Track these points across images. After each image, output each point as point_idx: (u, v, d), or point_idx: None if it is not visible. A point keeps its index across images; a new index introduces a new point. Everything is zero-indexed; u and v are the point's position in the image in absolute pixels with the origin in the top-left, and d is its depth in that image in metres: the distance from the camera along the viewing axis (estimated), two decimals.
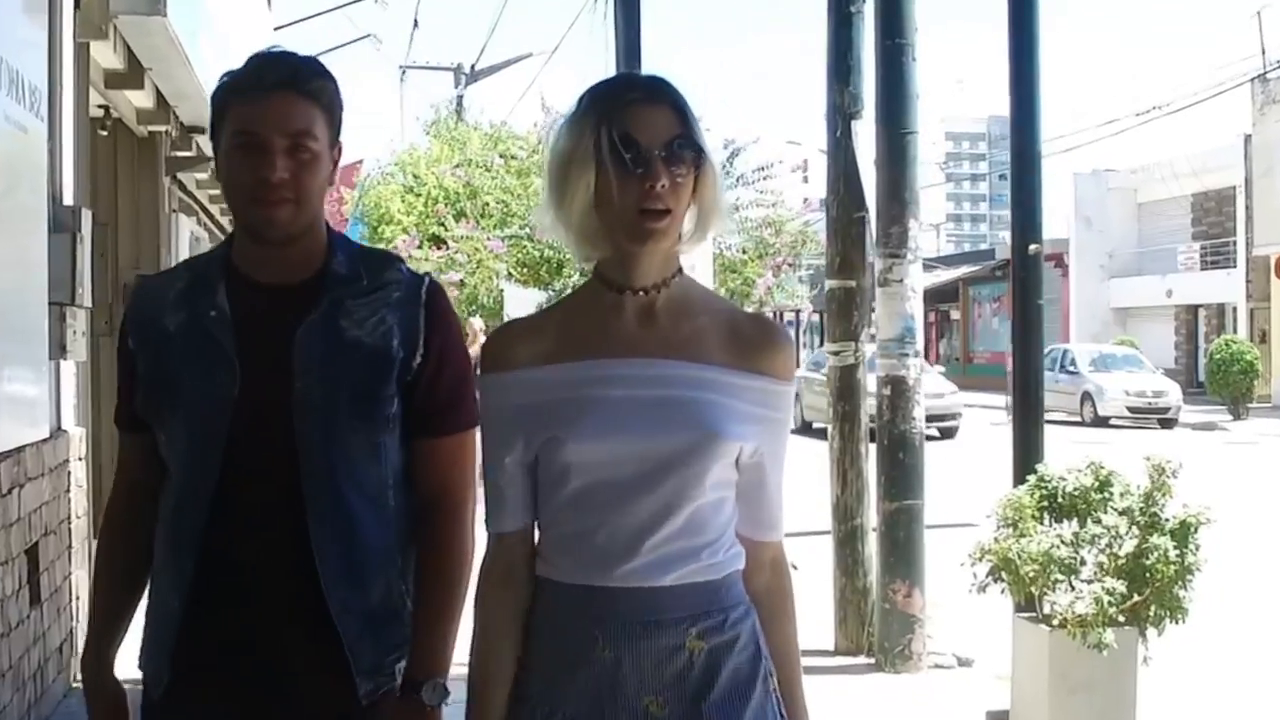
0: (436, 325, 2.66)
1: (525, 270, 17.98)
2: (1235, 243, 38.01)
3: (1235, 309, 38.35)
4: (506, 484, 2.26)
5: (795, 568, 8.08)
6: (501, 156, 20.12)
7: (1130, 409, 30.24)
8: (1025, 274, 7.14)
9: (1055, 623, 6.20)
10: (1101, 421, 30.02)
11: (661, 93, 2.19)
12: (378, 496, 2.60)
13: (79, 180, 8.48)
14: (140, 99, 11.76)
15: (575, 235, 2.24)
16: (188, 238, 14.96)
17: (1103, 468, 6.51)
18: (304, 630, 2.51)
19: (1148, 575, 6.11)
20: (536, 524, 2.29)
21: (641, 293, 2.21)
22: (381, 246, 17.11)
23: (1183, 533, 6.14)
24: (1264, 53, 36.29)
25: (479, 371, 2.42)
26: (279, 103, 2.51)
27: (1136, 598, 6.17)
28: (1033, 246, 7.06)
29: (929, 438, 27.35)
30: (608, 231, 2.18)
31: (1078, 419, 29.28)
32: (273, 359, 2.52)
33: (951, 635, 8.22)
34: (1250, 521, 14.65)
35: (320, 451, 2.52)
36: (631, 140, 2.10)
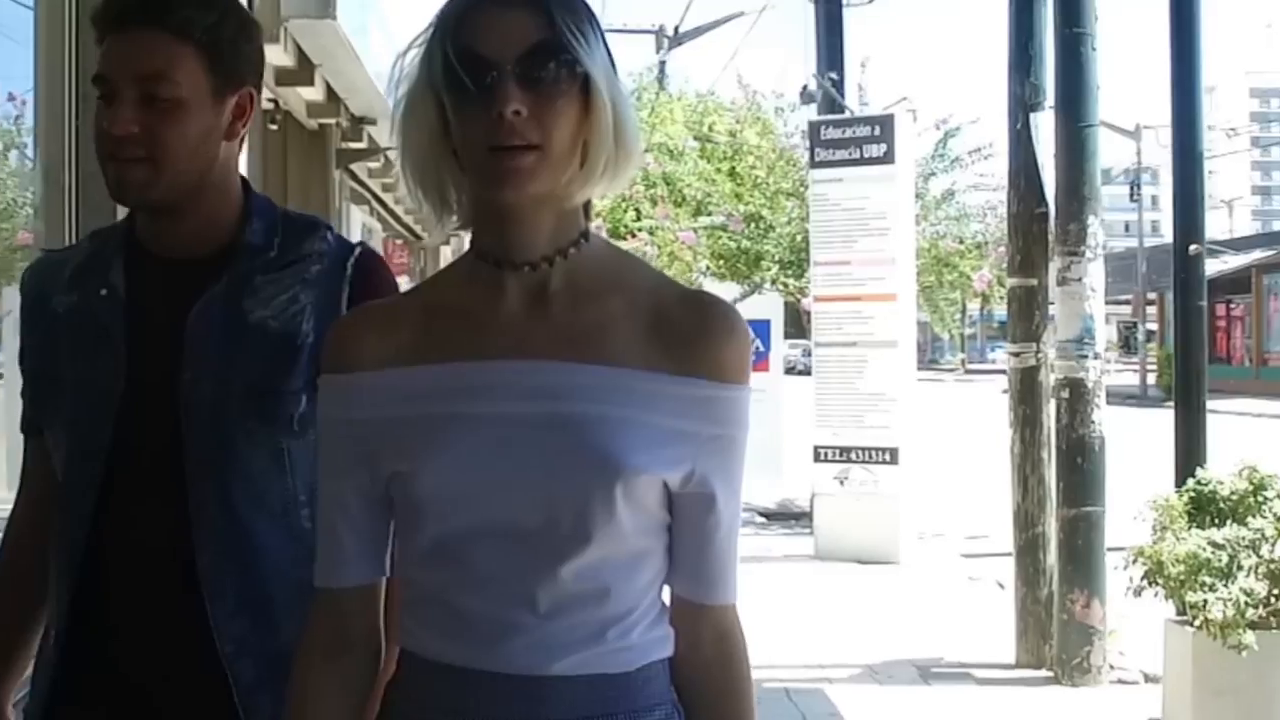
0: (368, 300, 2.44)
1: (722, 263, 18.06)
2: None
3: None
4: (343, 524, 1.97)
5: (1002, 586, 8.90)
6: (696, 139, 20.11)
7: None
8: (1186, 275, 7.48)
9: (1197, 625, 6.53)
10: None
11: None
12: (285, 514, 2.45)
13: (252, 178, 9.06)
14: (310, 94, 12.57)
15: (423, 193, 1.95)
16: (359, 228, 15.66)
17: (1257, 471, 6.89)
18: (191, 680, 2.38)
19: None
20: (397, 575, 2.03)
21: (527, 268, 1.91)
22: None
23: None
24: None
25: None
26: (133, 40, 2.37)
27: (1229, 601, 6.44)
28: (1193, 247, 7.38)
29: None
30: (469, 185, 1.91)
31: None
32: (164, 346, 2.40)
33: (1143, 650, 8.33)
34: None
35: (209, 459, 2.40)
36: (472, 54, 1.80)
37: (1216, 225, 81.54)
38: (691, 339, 1.90)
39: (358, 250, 2.57)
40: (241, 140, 2.53)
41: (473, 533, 1.85)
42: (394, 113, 1.95)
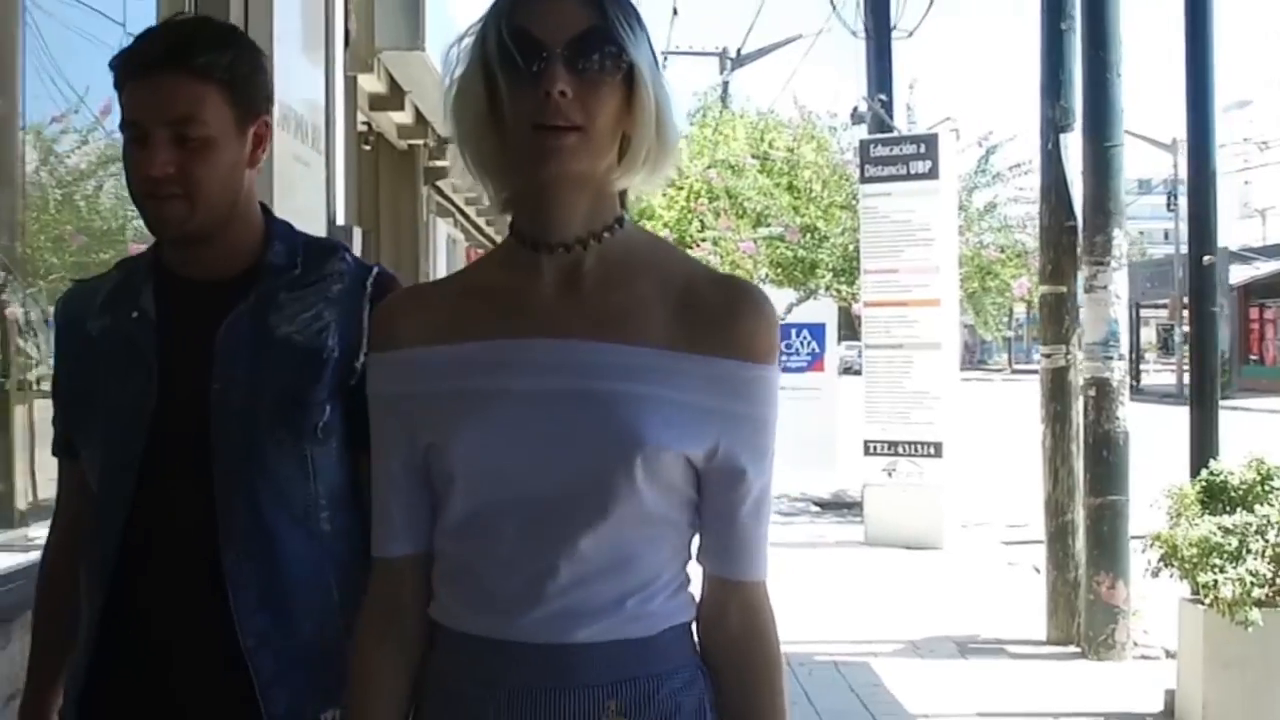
0: None
1: (780, 270, 17.95)
2: None
3: None
4: (392, 495, 1.98)
5: (1038, 570, 8.99)
6: (755, 157, 19.96)
7: None
8: (1200, 284, 7.56)
9: (1209, 603, 6.61)
10: None
11: None
12: (306, 518, 2.45)
13: (349, 200, 8.97)
14: (400, 118, 12.83)
15: (478, 170, 1.94)
16: (444, 239, 15.56)
17: (1264, 463, 6.94)
18: (215, 673, 2.38)
19: None
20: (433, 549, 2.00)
21: (562, 249, 1.89)
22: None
23: None
24: None
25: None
26: (161, 85, 2.37)
27: (1236, 580, 6.47)
28: (1207, 258, 7.41)
29: None
30: (512, 163, 1.89)
31: None
32: (194, 362, 2.41)
33: (1164, 627, 8.20)
34: None
35: (238, 464, 2.40)
36: (525, 34, 1.80)
37: (1251, 233, 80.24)
38: (719, 319, 1.86)
39: (375, 271, 2.58)
40: (259, 168, 2.55)
41: (500, 505, 1.84)
42: (446, 95, 1.93)
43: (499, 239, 2.25)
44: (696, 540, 1.94)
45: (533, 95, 1.77)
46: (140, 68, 2.36)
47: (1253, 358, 51.46)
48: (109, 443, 2.42)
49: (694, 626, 1.93)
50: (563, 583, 1.80)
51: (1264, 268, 50.66)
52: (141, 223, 2.50)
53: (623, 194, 1.95)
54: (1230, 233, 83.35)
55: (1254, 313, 51.99)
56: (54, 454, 2.62)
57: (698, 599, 1.93)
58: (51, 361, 3.13)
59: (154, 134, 2.32)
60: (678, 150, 1.96)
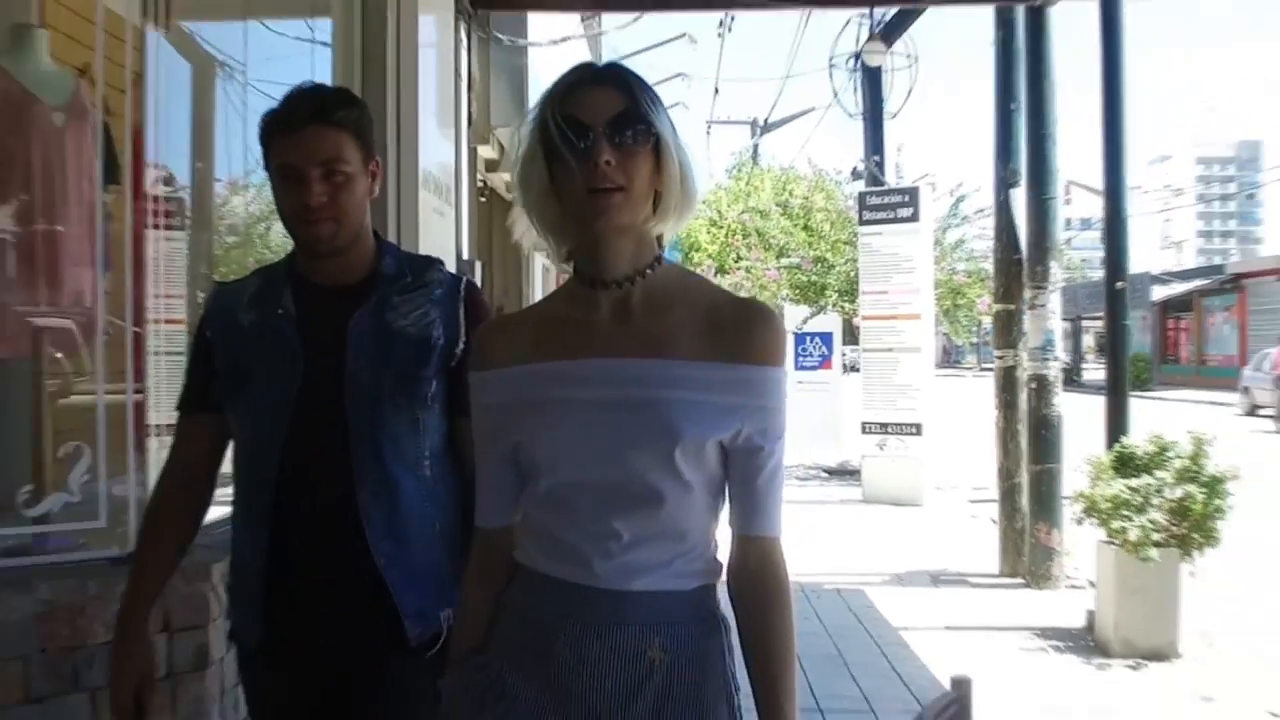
0: (476, 318, 2.51)
1: (797, 291, 17.86)
2: None
3: None
4: (488, 481, 2.00)
5: (994, 522, 8.96)
6: (778, 204, 19.84)
7: None
8: (1113, 304, 7.55)
9: (1120, 543, 6.68)
10: None
11: (607, 74, 1.88)
12: (415, 465, 2.45)
13: (471, 240, 9.07)
14: (508, 177, 12.86)
15: (542, 229, 1.94)
16: (540, 268, 15.48)
17: (1162, 439, 6.97)
18: (362, 582, 2.37)
19: (1186, 512, 6.60)
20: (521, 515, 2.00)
21: (615, 286, 1.89)
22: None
23: (1213, 484, 6.60)
24: None
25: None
26: (310, 135, 2.38)
27: (1175, 529, 6.62)
28: (1119, 284, 7.43)
29: None
30: (570, 221, 1.88)
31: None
32: (330, 348, 2.40)
33: (1087, 564, 7.96)
34: None
35: (367, 425, 2.40)
36: (574, 120, 1.81)
37: (1168, 260, 79.48)
38: (738, 333, 1.84)
39: (465, 280, 2.58)
40: (374, 196, 2.54)
41: (574, 486, 1.83)
42: (514, 172, 1.92)
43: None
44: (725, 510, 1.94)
45: (584, 166, 1.77)
46: (290, 124, 2.37)
47: (1170, 358, 50.90)
48: (261, 407, 2.41)
49: (719, 584, 1.92)
50: (625, 543, 1.81)
51: (1178, 288, 50.21)
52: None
53: (659, 237, 1.93)
54: (1153, 260, 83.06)
55: (1170, 323, 51.43)
56: (178, 409, 2.57)
57: (728, 554, 1.91)
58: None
59: (308, 173, 2.35)
60: (698, 199, 1.95)
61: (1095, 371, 55.08)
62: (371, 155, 2.45)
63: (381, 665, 2.40)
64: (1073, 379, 47.89)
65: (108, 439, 4.14)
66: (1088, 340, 59.97)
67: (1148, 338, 51.90)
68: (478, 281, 7.85)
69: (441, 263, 2.60)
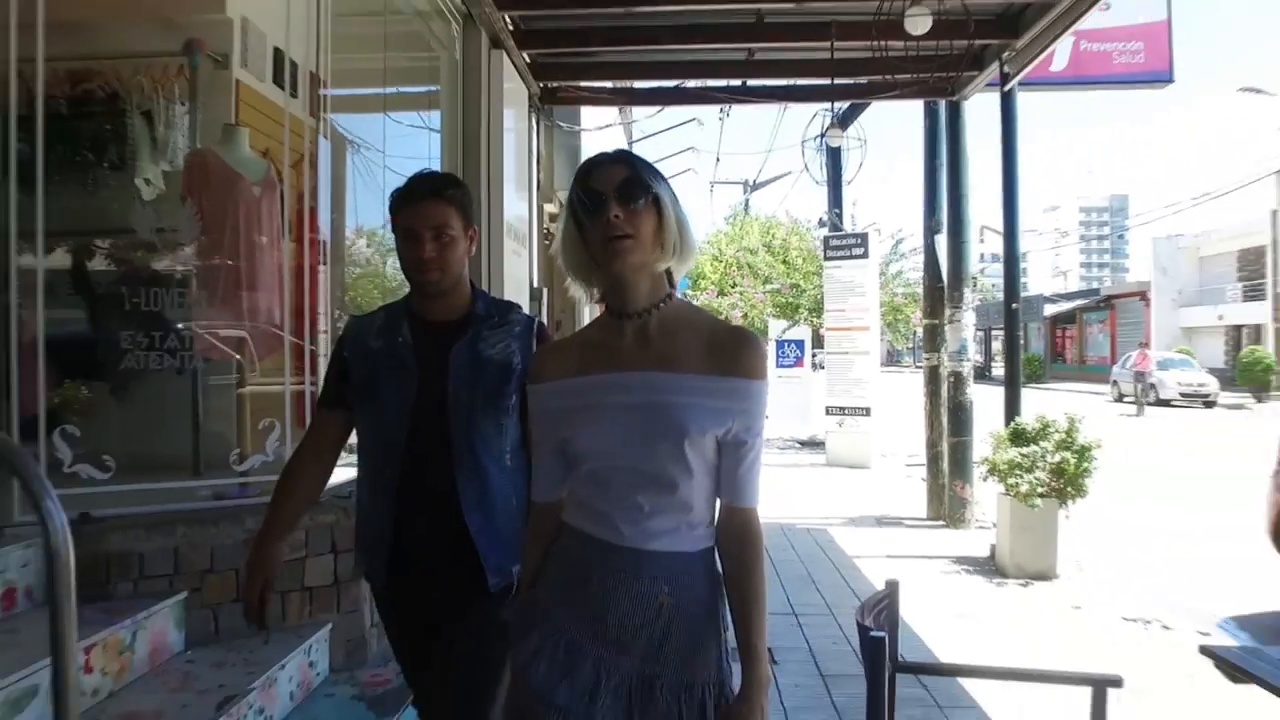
0: None
1: (778, 309, 17.76)
2: (1266, 283, 35.10)
3: (1263, 328, 34.81)
4: (543, 467, 1.93)
5: (923, 479, 8.88)
6: (763, 245, 19.78)
7: (1182, 394, 27.97)
8: (1010, 320, 7.52)
9: (1014, 495, 6.75)
10: (1164, 403, 27.85)
11: (614, 156, 1.85)
12: (499, 458, 2.40)
13: (539, 272, 8.99)
14: None
15: (581, 278, 1.89)
16: (588, 302, 15.67)
17: (1044, 418, 6.98)
18: (458, 543, 2.35)
19: (1062, 473, 6.65)
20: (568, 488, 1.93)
21: (637, 317, 1.84)
22: (693, 297, 17.79)
23: (1082, 451, 6.63)
24: None
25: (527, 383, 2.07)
26: (426, 207, 2.36)
27: (1054, 485, 6.69)
28: (1014, 305, 7.40)
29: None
30: (598, 268, 1.84)
31: (1143, 401, 26.90)
32: (437, 371, 2.37)
33: (990, 510, 7.70)
34: (1217, 451, 14.14)
35: (464, 430, 2.35)
36: (592, 190, 1.79)
37: (1057, 285, 78.86)
38: (731, 354, 1.80)
39: (536, 320, 2.53)
40: (471, 254, 2.49)
41: (608, 469, 1.79)
42: (555, 241, 1.89)
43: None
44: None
45: (600, 221, 1.77)
46: (412, 198, 2.37)
47: (1058, 358, 50.59)
48: (386, 414, 2.37)
49: (713, 542, 1.87)
50: (646, 513, 1.78)
51: (1065, 306, 49.77)
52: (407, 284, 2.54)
53: (670, 276, 1.88)
54: (1046, 285, 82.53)
55: (1059, 332, 51.05)
56: (320, 404, 2.56)
57: (717, 517, 1.87)
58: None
59: (422, 234, 2.34)
60: (696, 245, 1.89)
61: (1000, 369, 54.89)
62: (470, 224, 2.44)
63: (469, 604, 2.37)
64: (984, 375, 47.48)
65: (290, 416, 4.28)
66: (996, 345, 59.55)
67: (1041, 343, 51.66)
68: (543, 303, 8.22)
69: (519, 307, 2.56)
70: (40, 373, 3.51)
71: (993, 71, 7.83)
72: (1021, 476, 6.76)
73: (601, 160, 1.83)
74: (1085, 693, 2.54)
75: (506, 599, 2.34)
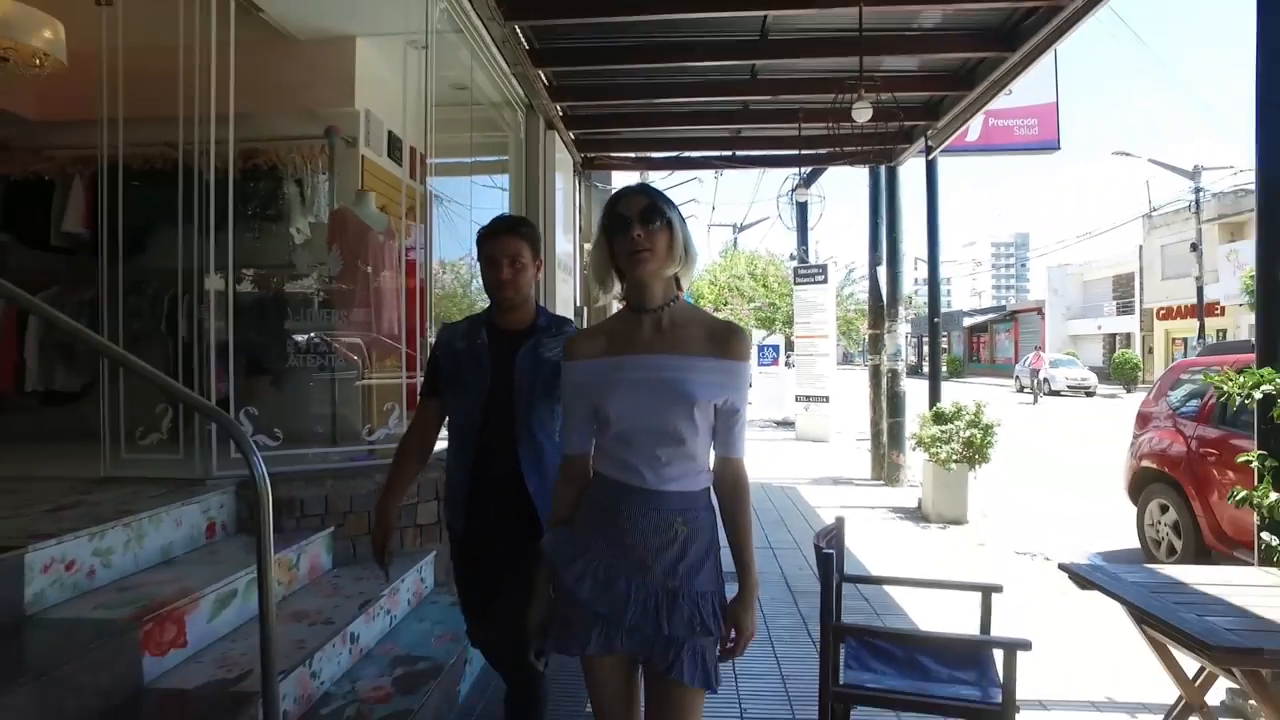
0: None
1: (759, 321, 17.70)
2: (1134, 301, 34.82)
3: (1132, 335, 34.69)
4: (575, 426, 1.83)
5: (869, 450, 8.84)
6: (749, 272, 19.66)
7: (1069, 386, 27.45)
8: (933, 331, 7.31)
9: (935, 461, 6.78)
10: (1055, 393, 27.36)
11: (638, 189, 1.78)
12: (552, 435, 2.28)
13: (581, 294, 8.86)
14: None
15: (597, 277, 1.83)
16: (616, 306, 15.72)
17: (958, 404, 7.02)
18: (519, 501, 2.25)
19: (971, 445, 6.69)
20: (595, 445, 1.84)
21: (652, 312, 1.78)
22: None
23: (986, 428, 6.69)
24: (1149, 203, 33.62)
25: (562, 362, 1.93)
26: (504, 240, 2.27)
27: (965, 453, 6.72)
28: (935, 319, 7.32)
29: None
30: (622, 274, 1.79)
31: (1039, 392, 26.77)
32: (506, 367, 2.28)
33: (917, 473, 7.77)
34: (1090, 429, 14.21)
35: (525, 413, 2.25)
36: (620, 215, 1.75)
37: (974, 303, 78.12)
38: (725, 342, 1.76)
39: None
40: (537, 278, 2.39)
41: (631, 429, 1.73)
42: (589, 258, 1.85)
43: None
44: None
45: (626, 238, 1.73)
46: (494, 233, 2.29)
47: (974, 359, 50.12)
48: (467, 399, 2.29)
49: (711, 487, 1.83)
50: (662, 462, 1.73)
51: (979, 319, 49.39)
52: (485, 300, 2.45)
53: (678, 283, 1.82)
54: (965, 303, 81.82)
55: (974, 339, 50.41)
56: (420, 395, 2.47)
57: (713, 467, 1.83)
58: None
59: (502, 262, 2.27)
60: (699, 259, 1.84)
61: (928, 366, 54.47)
62: (537, 256, 2.37)
63: (525, 546, 2.28)
64: (916, 371, 47.22)
65: (404, 402, 4.35)
66: (926, 349, 59.13)
67: (961, 347, 51.25)
68: (583, 317, 8.23)
69: (572, 321, 2.46)
70: (231, 369, 3.68)
71: (920, 145, 7.87)
72: (941, 447, 6.80)
73: (627, 192, 1.78)
74: (977, 598, 2.64)
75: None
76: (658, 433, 1.71)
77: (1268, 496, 2.97)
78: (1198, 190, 26.44)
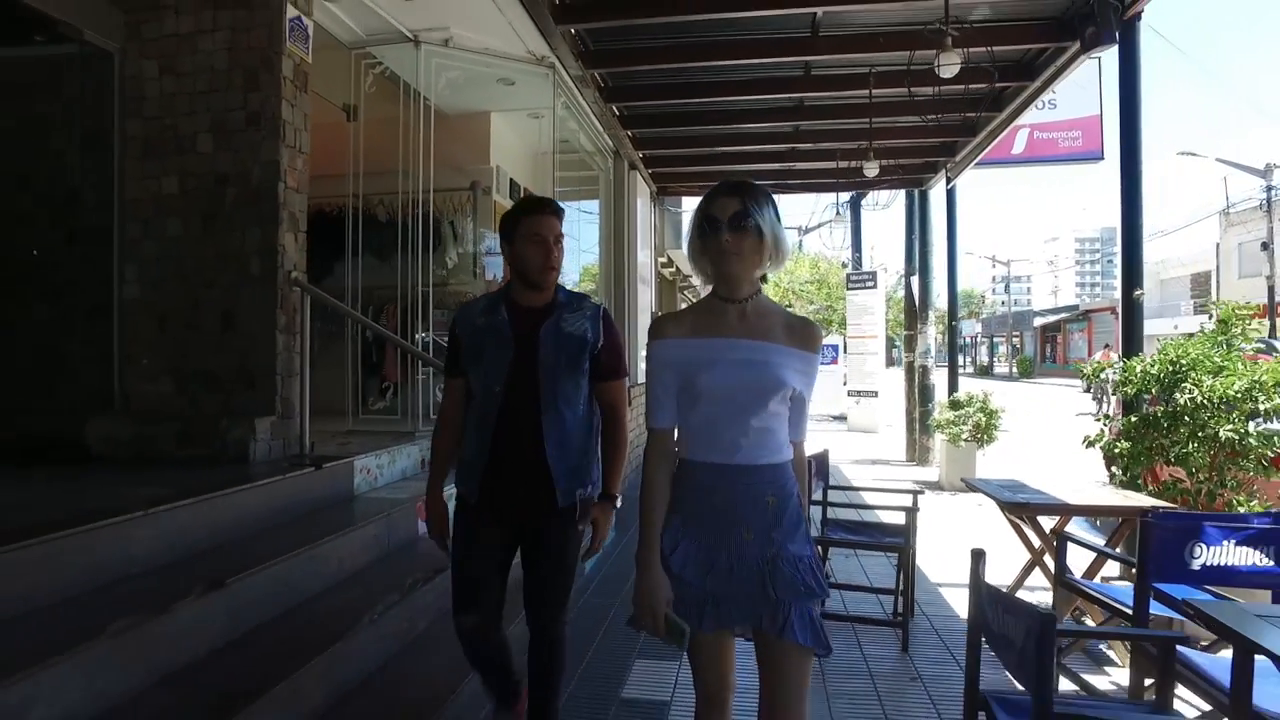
0: (607, 329, 2.26)
1: (819, 322, 17.83)
2: (1210, 300, 34.94)
3: None
4: (665, 401, 1.74)
5: (906, 436, 10.04)
6: (813, 276, 20.06)
7: None
8: (952, 335, 8.24)
9: (952, 441, 7.75)
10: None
11: (733, 190, 1.69)
12: (575, 408, 2.21)
13: (657, 300, 9.89)
14: (669, 271, 13.83)
15: (696, 265, 1.76)
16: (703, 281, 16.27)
17: (969, 394, 7.99)
18: (539, 472, 2.18)
19: (979, 427, 7.67)
20: (681, 426, 1.74)
21: (738, 303, 1.72)
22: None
23: (992, 414, 7.73)
24: (1227, 200, 33.30)
25: (648, 340, 1.79)
26: (550, 219, 2.20)
27: (975, 434, 7.57)
28: (954, 322, 8.24)
29: None
30: (712, 268, 1.72)
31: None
32: (528, 342, 2.19)
33: (940, 453, 8.05)
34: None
35: (549, 385, 2.18)
36: (711, 217, 1.68)
37: (1050, 302, 75.84)
38: (802, 334, 1.74)
39: (602, 307, 2.33)
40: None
41: (721, 407, 1.69)
42: (686, 248, 1.79)
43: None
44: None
45: (716, 241, 1.70)
46: (544, 211, 2.23)
47: (1048, 359, 49.50)
48: (489, 372, 2.22)
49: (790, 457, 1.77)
50: (750, 439, 1.70)
51: (1051, 319, 48.61)
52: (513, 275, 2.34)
53: (763, 278, 1.81)
54: (1042, 303, 78.99)
55: (1047, 339, 50.11)
56: (445, 374, 2.38)
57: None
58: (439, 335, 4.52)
59: (547, 239, 2.21)
60: (787, 258, 1.79)
61: (1001, 367, 53.78)
62: (562, 236, 2.28)
63: (542, 519, 2.25)
64: (987, 372, 47.33)
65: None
66: (1001, 349, 58.07)
67: (1033, 347, 50.75)
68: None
69: (589, 297, 2.36)
70: (396, 360, 5.39)
71: (943, 175, 8.93)
72: (956, 429, 7.87)
73: (722, 191, 1.73)
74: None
75: (571, 517, 2.25)
76: (749, 409, 1.69)
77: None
78: (1269, 188, 26.49)
